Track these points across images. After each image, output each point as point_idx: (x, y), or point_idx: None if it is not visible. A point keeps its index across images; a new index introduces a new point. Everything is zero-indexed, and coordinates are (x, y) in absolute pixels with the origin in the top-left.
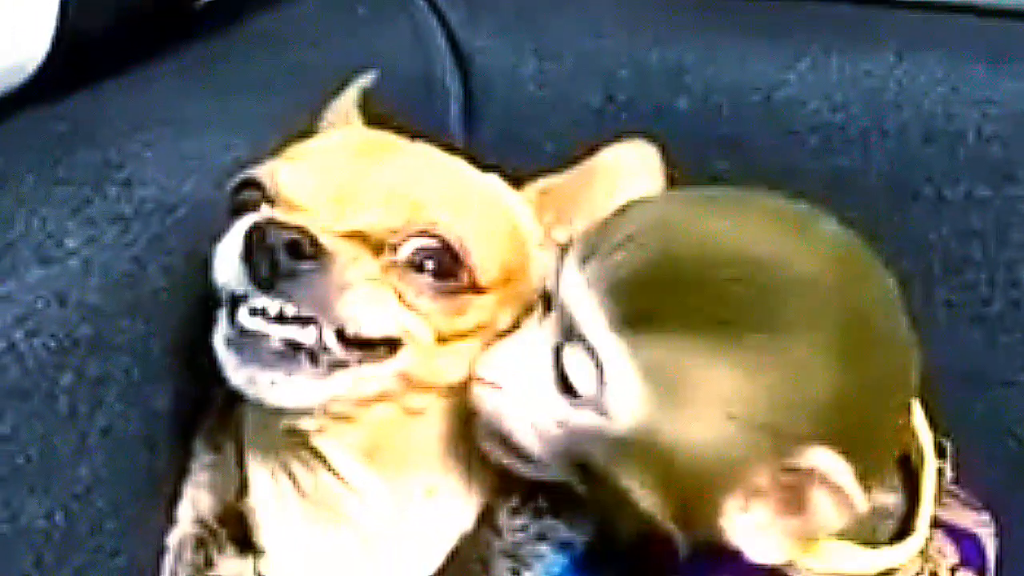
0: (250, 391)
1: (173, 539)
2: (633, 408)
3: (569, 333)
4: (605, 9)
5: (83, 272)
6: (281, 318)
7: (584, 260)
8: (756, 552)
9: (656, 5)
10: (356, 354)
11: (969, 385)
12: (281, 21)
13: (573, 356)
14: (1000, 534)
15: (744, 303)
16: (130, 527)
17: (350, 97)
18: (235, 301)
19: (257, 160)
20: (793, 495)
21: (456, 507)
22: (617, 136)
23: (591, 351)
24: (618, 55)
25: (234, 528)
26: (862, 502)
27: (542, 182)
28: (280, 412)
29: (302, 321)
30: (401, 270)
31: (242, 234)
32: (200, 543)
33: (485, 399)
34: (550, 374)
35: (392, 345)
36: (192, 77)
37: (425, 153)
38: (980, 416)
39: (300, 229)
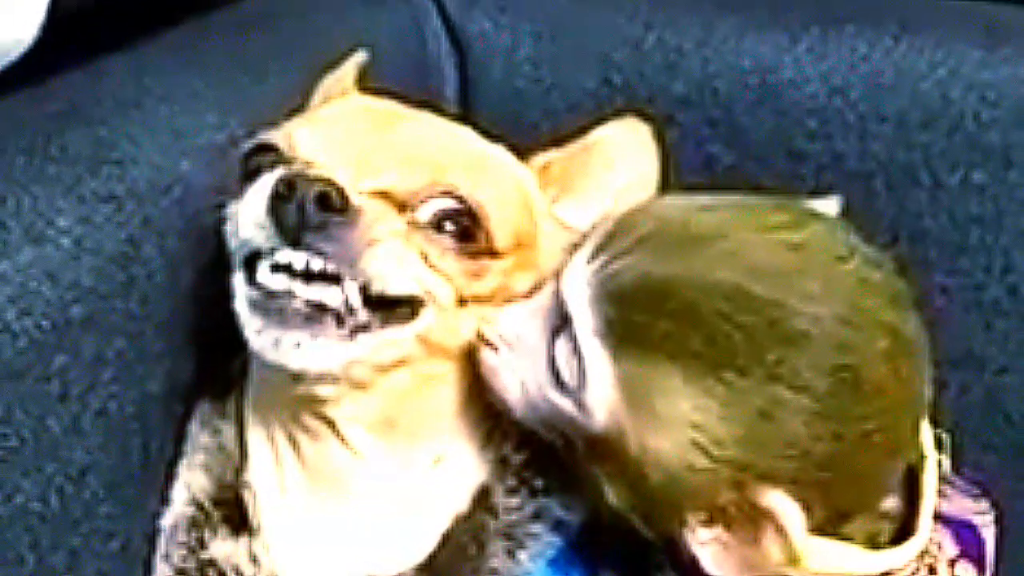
0: (273, 354)
1: (167, 521)
2: (606, 412)
3: (563, 323)
4: None
5: (75, 252)
6: (307, 274)
7: (592, 256)
8: (711, 566)
9: None
10: (379, 316)
11: (965, 371)
12: (277, 0)
13: (562, 347)
14: (998, 519)
15: (729, 342)
16: (124, 509)
17: (346, 73)
18: (253, 261)
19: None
20: (749, 528)
21: (460, 475)
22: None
23: (577, 349)
24: (615, 37)
25: (229, 510)
26: (805, 550)
27: (542, 157)
28: (299, 378)
29: (327, 279)
30: (425, 230)
31: (269, 187)
32: (194, 524)
33: (486, 358)
34: (544, 351)
35: (413, 307)
36: (186, 56)
37: (437, 120)
38: (977, 402)
39: (329, 182)
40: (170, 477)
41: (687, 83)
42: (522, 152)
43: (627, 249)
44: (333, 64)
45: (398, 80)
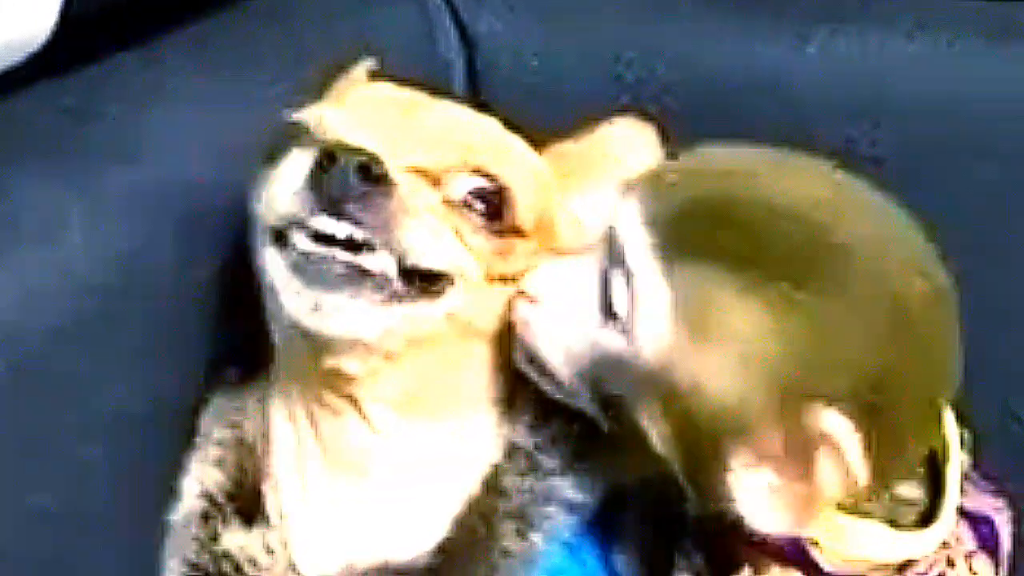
0: (311, 319)
1: (177, 516)
2: (658, 338)
3: (614, 258)
4: None
5: (87, 249)
6: (346, 243)
7: (640, 191)
8: (756, 518)
9: None
10: (414, 289)
11: (972, 367)
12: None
13: (614, 280)
14: (1015, 518)
15: (784, 252)
16: (135, 507)
17: (357, 77)
18: (284, 234)
19: (265, 138)
20: (800, 461)
21: (473, 457)
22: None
23: (629, 276)
24: (624, 36)
25: (243, 503)
26: (863, 473)
27: (552, 149)
28: (330, 348)
29: (367, 248)
30: (458, 207)
31: (311, 157)
32: (206, 518)
33: (522, 312)
34: (591, 295)
35: (444, 283)
36: (199, 54)
37: (458, 106)
38: (984, 399)
39: (369, 153)
40: (181, 473)
41: (698, 81)
42: (532, 148)
43: (676, 181)
44: (344, 63)
45: (407, 79)
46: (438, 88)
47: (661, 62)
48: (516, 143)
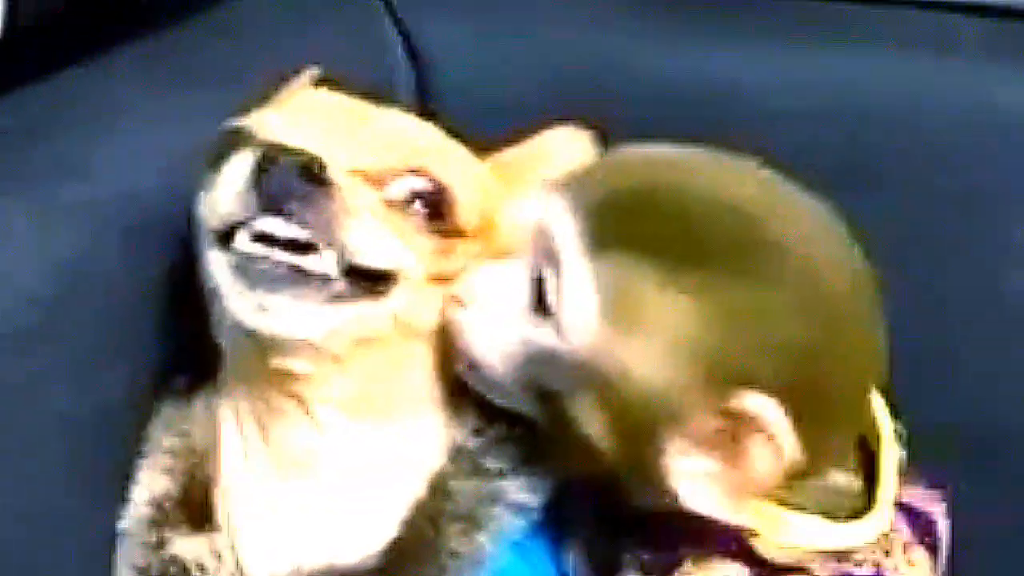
0: (255, 320)
1: (127, 523)
2: (587, 328)
3: (542, 251)
4: None
5: (32, 259)
6: (289, 243)
7: (567, 185)
8: (694, 501)
9: None
10: (357, 289)
11: (919, 365)
12: (238, 12)
13: (543, 273)
14: (952, 513)
15: (709, 242)
16: (83, 515)
17: (301, 85)
18: (228, 236)
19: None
20: (733, 445)
21: (419, 460)
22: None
23: (556, 267)
24: (570, 44)
25: (191, 509)
26: (792, 449)
27: (493, 157)
28: (277, 348)
29: (308, 248)
30: (398, 207)
31: (253, 159)
32: (154, 524)
33: (455, 315)
34: (522, 294)
35: (387, 283)
36: (147, 69)
37: (402, 113)
38: (930, 396)
39: (309, 154)
40: (130, 480)
41: (644, 91)
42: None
43: (602, 175)
44: (289, 75)
45: (354, 88)
46: (383, 97)
47: (604, 71)
48: (458, 147)
